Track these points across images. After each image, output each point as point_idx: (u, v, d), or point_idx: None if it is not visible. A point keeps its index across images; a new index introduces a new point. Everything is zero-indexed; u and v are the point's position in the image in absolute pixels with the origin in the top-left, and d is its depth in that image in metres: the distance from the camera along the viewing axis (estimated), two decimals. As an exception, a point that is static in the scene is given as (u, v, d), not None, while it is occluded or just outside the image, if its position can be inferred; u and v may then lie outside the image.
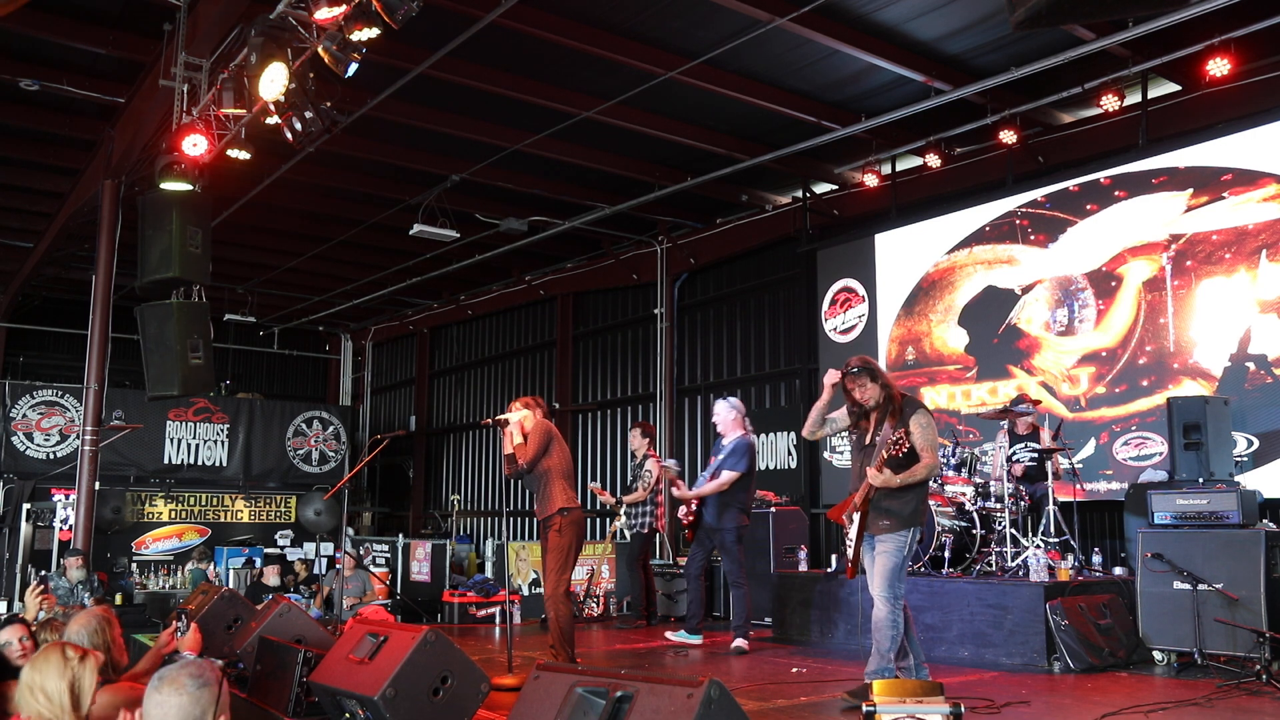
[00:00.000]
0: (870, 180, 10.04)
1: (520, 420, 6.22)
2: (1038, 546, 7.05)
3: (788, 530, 9.02)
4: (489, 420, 6.44)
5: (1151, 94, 8.42)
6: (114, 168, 9.36)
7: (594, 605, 10.23)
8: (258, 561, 12.70)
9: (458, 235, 11.38)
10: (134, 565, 13.97)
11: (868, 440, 5.42)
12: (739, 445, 7.67)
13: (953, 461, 7.86)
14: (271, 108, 6.63)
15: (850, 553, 5.39)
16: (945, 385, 9.72)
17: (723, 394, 12.29)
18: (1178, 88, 8.41)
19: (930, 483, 5.51)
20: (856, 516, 5.31)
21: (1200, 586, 6.16)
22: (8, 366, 16.09)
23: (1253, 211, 7.77)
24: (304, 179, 10.71)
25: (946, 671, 6.21)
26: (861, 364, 5.42)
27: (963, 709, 3.80)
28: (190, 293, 8.51)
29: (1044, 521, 7.35)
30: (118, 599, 11.57)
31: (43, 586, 6.74)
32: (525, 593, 10.14)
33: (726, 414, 7.82)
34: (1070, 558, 7.19)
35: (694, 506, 7.81)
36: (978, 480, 7.75)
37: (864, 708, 3.84)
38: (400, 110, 9.09)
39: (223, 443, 15.66)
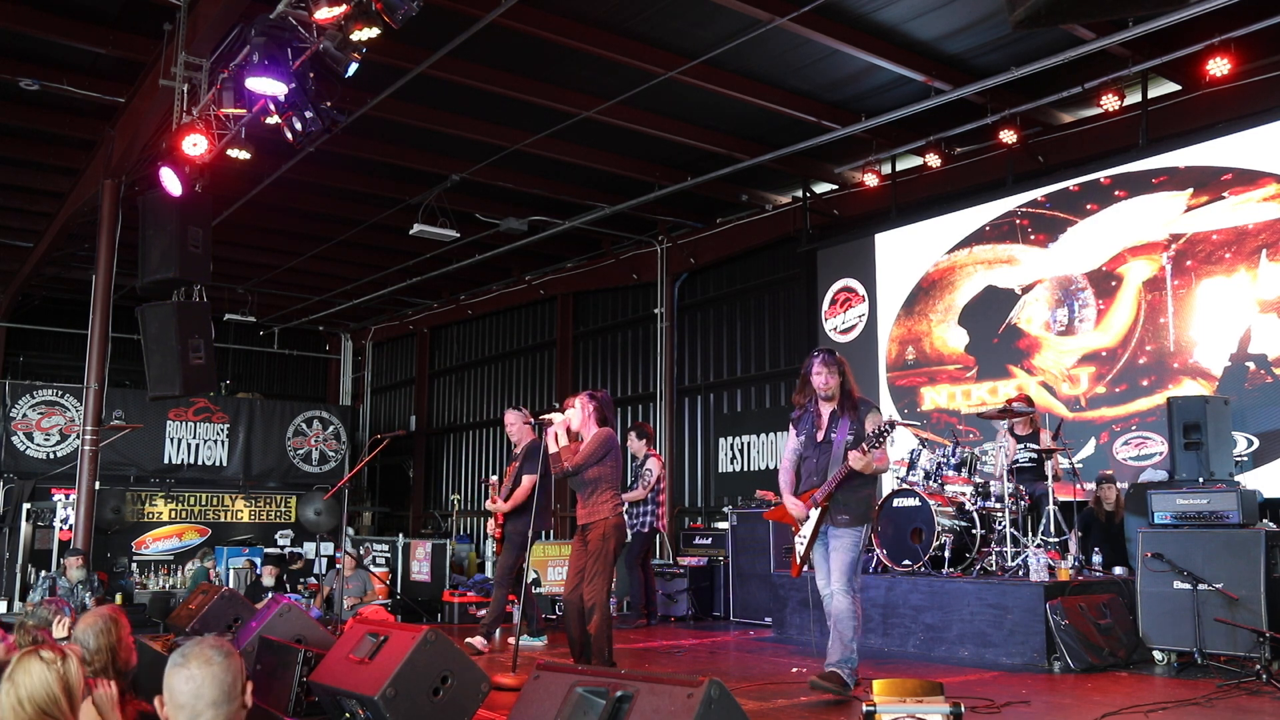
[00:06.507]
0: (870, 180, 10.04)
1: (566, 420, 6.07)
2: (1038, 546, 7.05)
3: (787, 530, 8.94)
4: (536, 419, 6.38)
5: (1151, 94, 8.42)
6: (114, 168, 9.35)
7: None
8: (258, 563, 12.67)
9: (458, 235, 11.38)
10: (134, 565, 13.97)
11: (821, 437, 5.58)
12: (532, 448, 7.66)
13: (953, 461, 7.85)
14: (271, 107, 6.64)
15: (801, 550, 5.61)
16: (945, 385, 9.72)
17: (721, 394, 12.42)
18: (1178, 87, 8.42)
19: (879, 480, 5.71)
20: (815, 513, 5.51)
21: (1200, 586, 6.15)
22: (8, 366, 16.08)
23: (1253, 211, 7.77)
24: (304, 179, 10.71)
25: (946, 671, 6.22)
26: (833, 352, 5.71)
27: (963, 709, 3.79)
28: (190, 293, 8.52)
29: (1044, 521, 7.35)
30: (118, 599, 11.55)
31: (51, 591, 6.70)
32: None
33: (518, 421, 7.87)
34: (1070, 557, 7.19)
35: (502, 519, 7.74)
36: (978, 480, 7.75)
37: (864, 707, 3.84)
38: (400, 110, 9.09)
39: (223, 442, 15.66)
